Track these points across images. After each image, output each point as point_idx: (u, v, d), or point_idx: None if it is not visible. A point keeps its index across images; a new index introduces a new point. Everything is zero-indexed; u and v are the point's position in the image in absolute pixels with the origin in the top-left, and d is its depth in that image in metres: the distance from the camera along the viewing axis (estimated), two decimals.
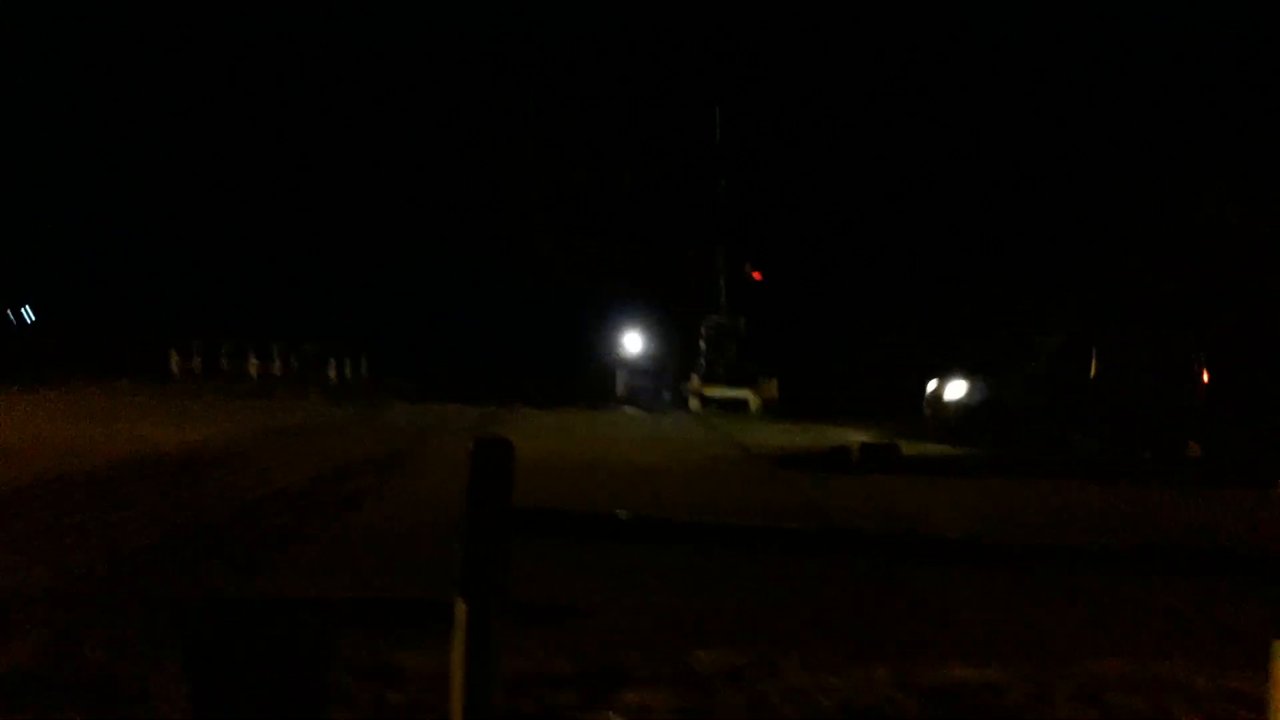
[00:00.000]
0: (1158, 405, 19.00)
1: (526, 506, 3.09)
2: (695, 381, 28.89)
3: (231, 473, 11.02)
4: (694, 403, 28.41)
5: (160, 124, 40.59)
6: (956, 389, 20.92)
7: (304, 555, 7.20)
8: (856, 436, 17.85)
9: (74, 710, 4.05)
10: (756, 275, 31.99)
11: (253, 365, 34.76)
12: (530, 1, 37.96)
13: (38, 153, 38.68)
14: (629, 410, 27.19)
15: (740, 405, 27.91)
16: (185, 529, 7.83)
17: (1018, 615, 6.19)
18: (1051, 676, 4.90)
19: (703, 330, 30.00)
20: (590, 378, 32.40)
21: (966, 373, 21.10)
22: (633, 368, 31.19)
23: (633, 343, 32.62)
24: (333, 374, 34.62)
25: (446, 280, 42.27)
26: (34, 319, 39.62)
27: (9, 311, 40.01)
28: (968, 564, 4.74)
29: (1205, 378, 19.36)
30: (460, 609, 2.94)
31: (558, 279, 35.38)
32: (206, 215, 42.29)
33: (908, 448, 16.55)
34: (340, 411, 21.40)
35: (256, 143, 39.86)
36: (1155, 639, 5.72)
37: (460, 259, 40.74)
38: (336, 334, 36.20)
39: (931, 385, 21.59)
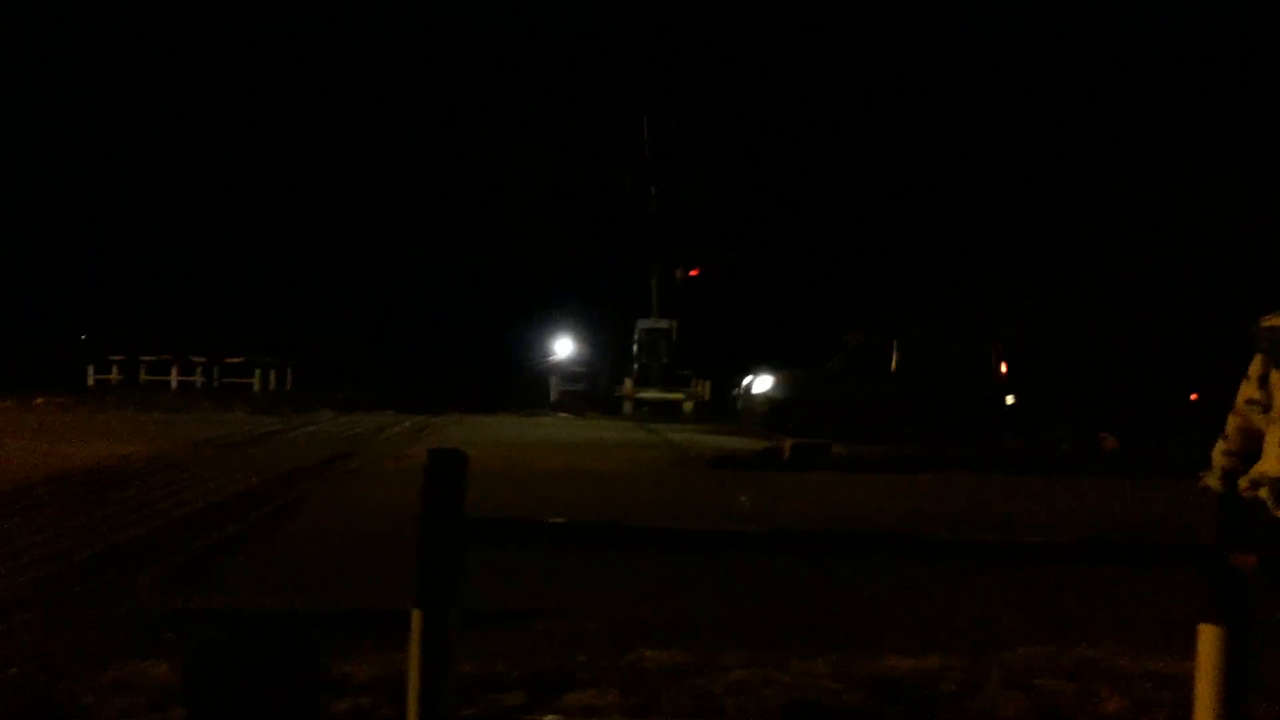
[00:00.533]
0: (955, 397, 19.70)
1: (477, 516, 3.12)
2: (628, 385, 28.95)
3: (158, 487, 10.79)
4: (627, 406, 28.48)
5: (120, 128, 39.44)
6: (764, 383, 21.47)
7: (237, 568, 7.10)
8: (788, 435, 18.07)
9: None
10: (694, 272, 32.12)
11: (174, 378, 33.99)
12: (530, 1, 37.55)
13: None
14: (563, 415, 27.16)
15: (674, 408, 28.07)
16: (115, 545, 7.65)
17: (952, 606, 6.36)
18: (984, 664, 5.05)
19: (635, 334, 30.08)
20: (523, 383, 32.28)
21: (774, 367, 21.69)
22: (565, 372, 31.14)
23: (564, 347, 32.59)
24: (258, 385, 33.99)
25: (376, 287, 41.86)
26: None
27: None
28: (903, 556, 4.87)
29: (1003, 371, 20.11)
30: (416, 618, 2.95)
31: (489, 283, 35.19)
32: (124, 224, 41.23)
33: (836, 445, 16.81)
34: (267, 422, 21.02)
35: (212, 143, 38.98)
36: (1085, 626, 5.91)
37: (391, 266, 40.34)
38: (262, 344, 35.54)
39: (746, 380, 22.12)
